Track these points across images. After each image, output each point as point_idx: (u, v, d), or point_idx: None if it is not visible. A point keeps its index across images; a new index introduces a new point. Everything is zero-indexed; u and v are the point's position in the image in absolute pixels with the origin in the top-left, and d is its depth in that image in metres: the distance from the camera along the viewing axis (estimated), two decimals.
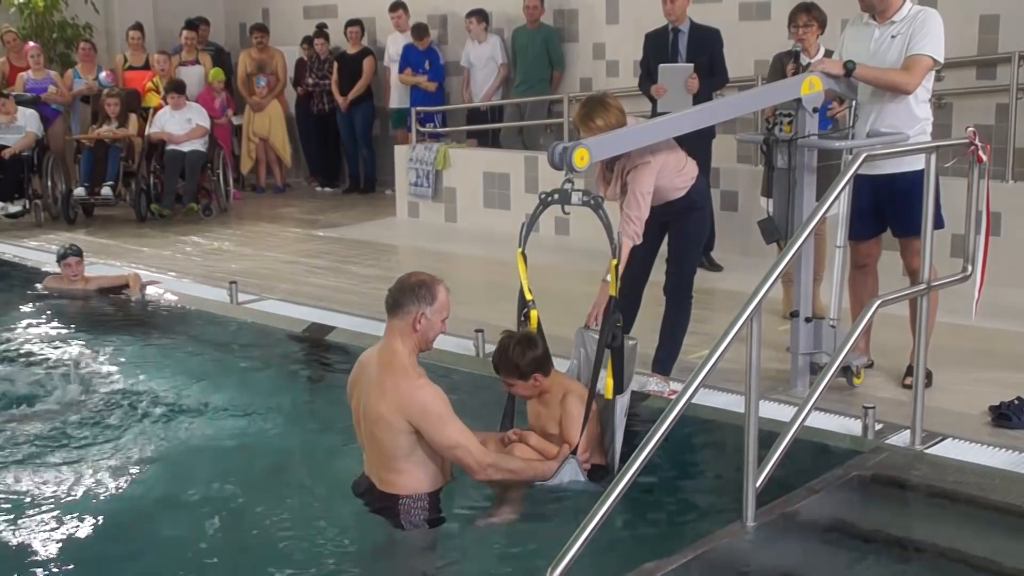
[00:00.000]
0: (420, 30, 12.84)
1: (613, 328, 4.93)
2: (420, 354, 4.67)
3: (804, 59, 7.05)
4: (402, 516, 4.55)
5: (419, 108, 12.28)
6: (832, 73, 5.78)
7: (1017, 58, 8.58)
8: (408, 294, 4.60)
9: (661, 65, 8.77)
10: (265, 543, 4.51)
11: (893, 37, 5.87)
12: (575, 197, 4.94)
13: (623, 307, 6.28)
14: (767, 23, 10.40)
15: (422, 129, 12.15)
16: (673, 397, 4.10)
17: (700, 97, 8.69)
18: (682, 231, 5.92)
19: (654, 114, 9.09)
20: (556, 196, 5.01)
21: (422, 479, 4.60)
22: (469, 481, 4.75)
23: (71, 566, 4.38)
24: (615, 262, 5.00)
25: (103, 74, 13.14)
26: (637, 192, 5.53)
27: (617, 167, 5.69)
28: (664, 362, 6.04)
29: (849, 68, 5.79)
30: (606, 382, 4.98)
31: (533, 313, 5.17)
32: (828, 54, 7.05)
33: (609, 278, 5.05)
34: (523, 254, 5.22)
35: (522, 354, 4.91)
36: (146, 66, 13.54)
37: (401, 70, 13.05)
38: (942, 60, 5.86)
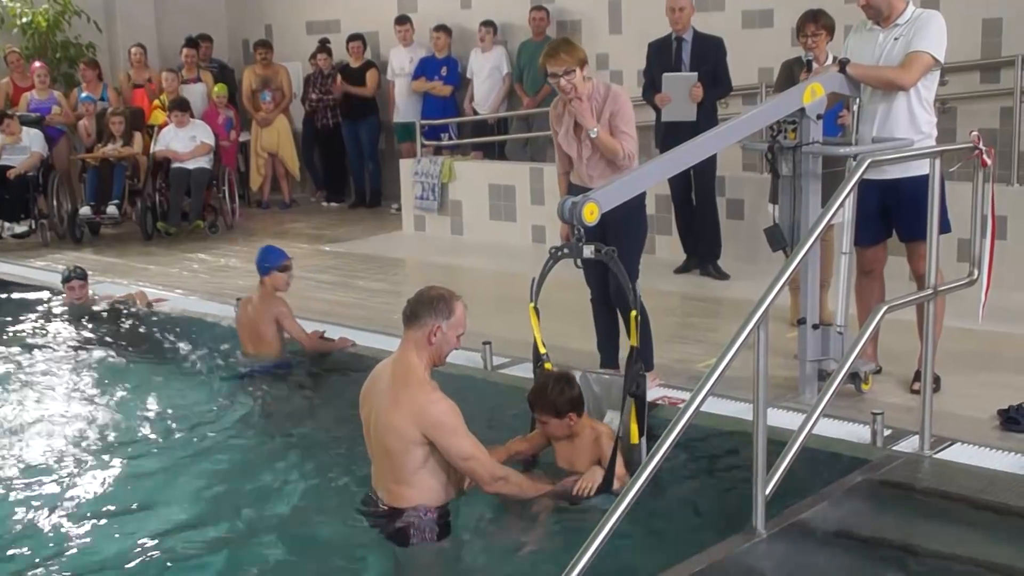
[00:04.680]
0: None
1: (636, 377, 4.95)
2: (432, 368, 4.69)
3: (816, 67, 7.04)
4: (409, 530, 4.55)
5: (425, 121, 12.30)
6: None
7: (1021, 61, 8.59)
8: (426, 306, 4.64)
9: (665, 74, 8.78)
10: (268, 556, 4.51)
11: (896, 40, 5.88)
12: (587, 251, 4.94)
13: (603, 329, 6.33)
14: (770, 31, 10.41)
15: (435, 143, 12.15)
16: (681, 405, 4.10)
17: (704, 106, 8.73)
18: (621, 228, 5.82)
19: (657, 123, 9.13)
20: (566, 251, 5.02)
21: (431, 492, 4.61)
22: (476, 496, 4.75)
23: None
24: (635, 314, 5.02)
25: (84, 93, 13.12)
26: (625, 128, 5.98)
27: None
28: (645, 360, 6.07)
29: (842, 63, 5.81)
30: (631, 428, 5.00)
31: (547, 366, 5.22)
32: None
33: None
34: (535, 308, 5.23)
35: (560, 393, 4.92)
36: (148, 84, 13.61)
37: (415, 79, 13.08)
38: (942, 59, 5.86)
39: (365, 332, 7.49)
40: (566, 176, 6.26)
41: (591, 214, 4.84)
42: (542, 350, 5.23)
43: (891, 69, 5.83)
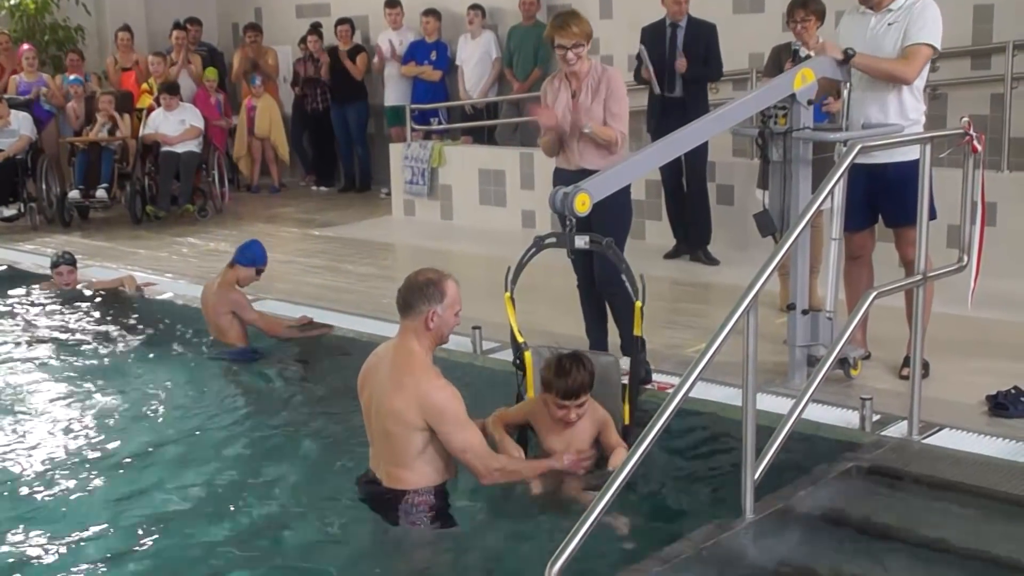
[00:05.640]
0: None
1: (645, 365, 4.97)
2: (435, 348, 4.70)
3: (804, 52, 7.02)
4: (407, 511, 4.55)
5: (415, 106, 12.28)
6: (831, 56, 5.78)
7: (1011, 48, 8.60)
8: (417, 294, 4.61)
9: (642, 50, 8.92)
10: (266, 539, 4.51)
11: (890, 25, 5.88)
12: (580, 241, 4.93)
13: (591, 314, 6.32)
14: (761, 16, 10.40)
15: (425, 128, 12.12)
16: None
17: (695, 89, 8.77)
18: (607, 214, 5.67)
19: (650, 104, 9.15)
20: (554, 240, 5.00)
21: (430, 475, 4.61)
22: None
23: (73, 565, 4.38)
24: (639, 304, 5.02)
25: (71, 76, 13.04)
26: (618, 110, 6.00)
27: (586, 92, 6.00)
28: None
29: (849, 55, 5.79)
30: (624, 410, 5.06)
31: (527, 355, 5.21)
32: None
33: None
34: (511, 298, 5.22)
35: (591, 370, 4.83)
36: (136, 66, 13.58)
37: (405, 64, 13.04)
38: (940, 48, 5.87)
39: (354, 316, 7.50)
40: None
41: (583, 205, 4.82)
42: (520, 339, 5.23)
43: (893, 62, 5.82)
